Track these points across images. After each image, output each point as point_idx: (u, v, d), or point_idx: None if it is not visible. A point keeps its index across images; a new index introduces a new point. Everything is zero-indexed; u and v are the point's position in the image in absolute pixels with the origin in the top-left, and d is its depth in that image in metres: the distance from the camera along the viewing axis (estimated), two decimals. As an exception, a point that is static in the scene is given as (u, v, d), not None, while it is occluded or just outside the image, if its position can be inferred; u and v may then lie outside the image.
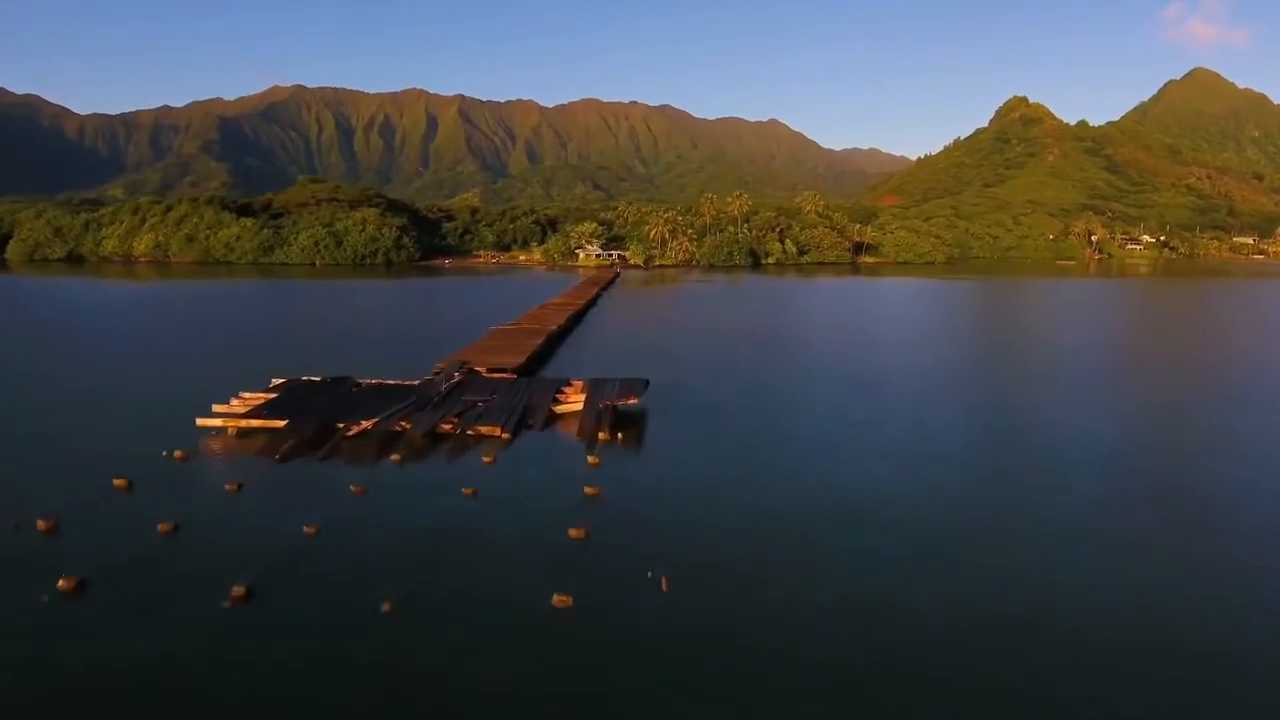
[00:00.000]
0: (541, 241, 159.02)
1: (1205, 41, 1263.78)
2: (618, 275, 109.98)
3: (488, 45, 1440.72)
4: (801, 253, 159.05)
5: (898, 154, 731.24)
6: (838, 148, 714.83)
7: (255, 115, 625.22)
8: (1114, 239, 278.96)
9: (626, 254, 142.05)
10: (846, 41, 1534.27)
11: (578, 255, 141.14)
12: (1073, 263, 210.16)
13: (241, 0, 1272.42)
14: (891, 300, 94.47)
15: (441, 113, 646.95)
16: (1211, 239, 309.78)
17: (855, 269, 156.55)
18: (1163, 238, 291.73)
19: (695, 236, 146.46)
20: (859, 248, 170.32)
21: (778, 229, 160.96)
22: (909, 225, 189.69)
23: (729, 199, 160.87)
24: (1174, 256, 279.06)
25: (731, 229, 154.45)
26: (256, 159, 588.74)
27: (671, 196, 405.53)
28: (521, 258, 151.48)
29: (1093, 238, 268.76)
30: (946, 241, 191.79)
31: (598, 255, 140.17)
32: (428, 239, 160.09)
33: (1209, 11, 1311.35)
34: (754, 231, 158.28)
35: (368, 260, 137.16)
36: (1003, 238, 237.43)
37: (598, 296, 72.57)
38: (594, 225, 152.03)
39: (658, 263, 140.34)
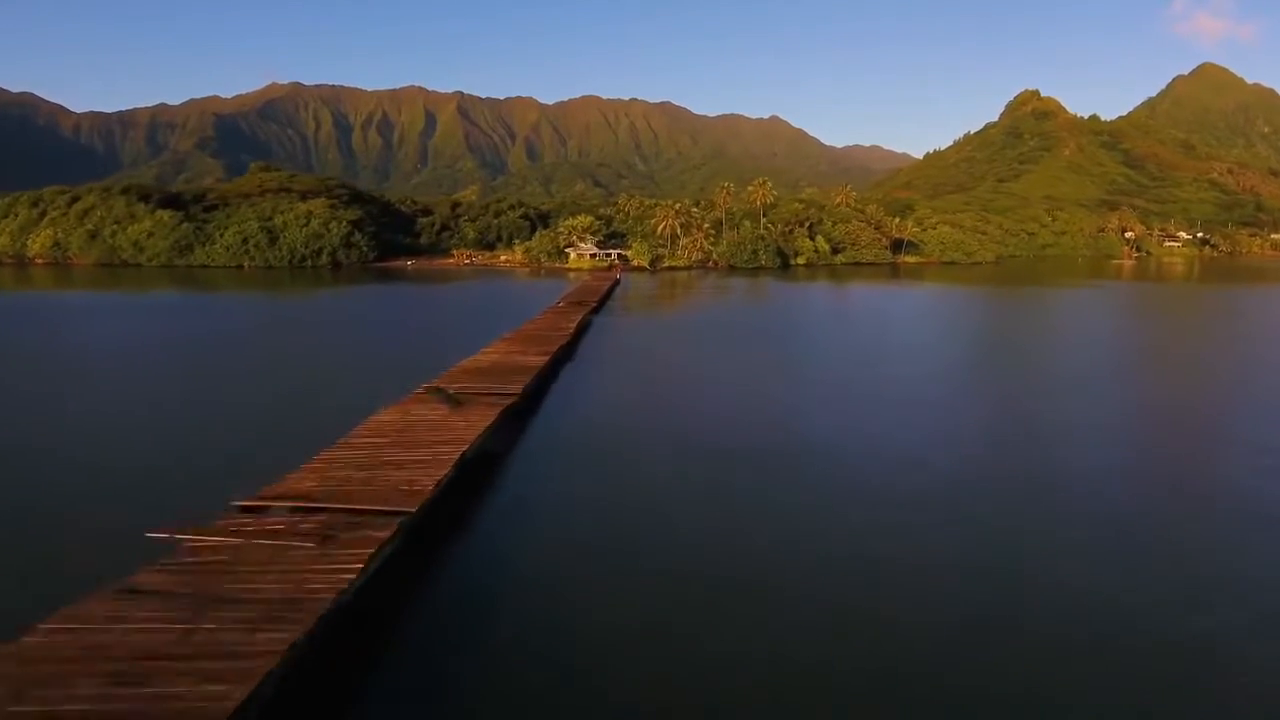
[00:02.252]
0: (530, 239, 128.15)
1: (1213, 36, 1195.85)
2: (617, 283, 79.01)
3: (487, 42, 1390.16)
4: (835, 251, 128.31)
5: (899, 151, 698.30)
6: (839, 144, 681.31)
7: (252, 113, 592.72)
8: (1151, 235, 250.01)
9: (628, 253, 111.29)
10: (847, 39, 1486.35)
11: (568, 254, 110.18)
12: (1130, 262, 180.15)
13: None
14: (1006, 328, 63.84)
15: (440, 110, 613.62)
16: (1250, 235, 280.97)
17: (895, 270, 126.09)
18: (1200, 234, 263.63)
19: (711, 232, 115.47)
20: (898, 245, 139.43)
21: (807, 223, 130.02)
22: (952, 220, 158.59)
23: (751, 187, 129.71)
24: (1215, 254, 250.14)
25: (748, 224, 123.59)
26: (253, 157, 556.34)
27: (672, 193, 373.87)
28: (503, 258, 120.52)
29: (1127, 234, 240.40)
30: (993, 239, 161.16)
31: (593, 255, 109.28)
32: (395, 236, 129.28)
33: (1216, 5, 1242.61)
34: (779, 226, 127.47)
35: (308, 261, 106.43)
36: (1039, 234, 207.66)
37: (577, 336, 40.99)
38: (589, 219, 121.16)
39: (666, 264, 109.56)
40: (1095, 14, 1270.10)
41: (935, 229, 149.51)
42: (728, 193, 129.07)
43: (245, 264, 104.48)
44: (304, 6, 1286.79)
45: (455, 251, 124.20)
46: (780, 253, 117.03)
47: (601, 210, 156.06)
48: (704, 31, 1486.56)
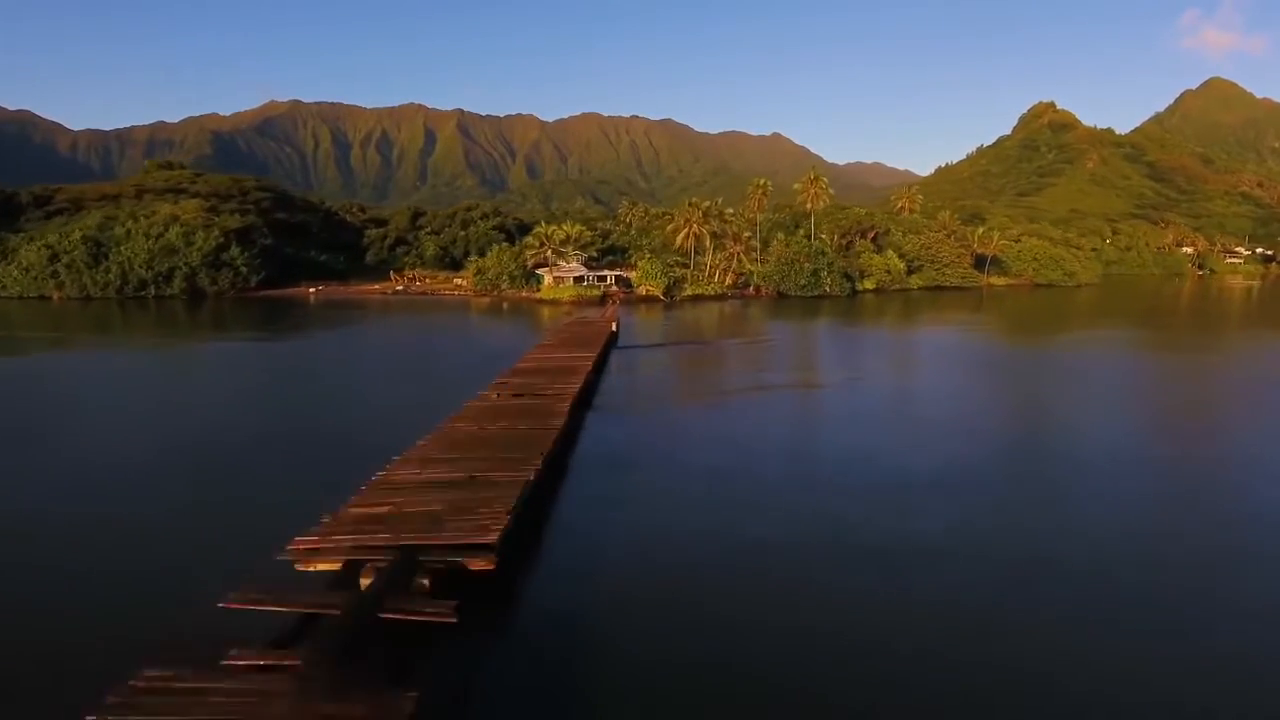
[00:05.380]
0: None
1: (1220, 49, 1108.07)
2: (614, 337, 38.60)
3: (487, 60, 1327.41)
4: (910, 270, 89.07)
5: (901, 168, 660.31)
6: (841, 162, 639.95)
7: (250, 130, 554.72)
8: (1214, 251, 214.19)
9: (631, 275, 72.09)
10: (848, 57, 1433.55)
11: (540, 277, 70.39)
12: (1255, 283, 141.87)
13: (238, 17, 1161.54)
14: None
15: (440, 127, 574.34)
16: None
17: (980, 297, 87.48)
18: (1259, 249, 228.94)
19: (754, 244, 76.50)
20: (979, 262, 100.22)
21: (871, 233, 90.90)
22: (1037, 230, 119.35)
23: (798, 185, 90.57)
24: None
25: (782, 236, 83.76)
26: (251, 175, 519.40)
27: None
28: (456, 281, 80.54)
29: (1185, 249, 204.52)
30: (1088, 254, 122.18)
31: (579, 279, 69.62)
32: (308, 253, 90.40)
33: (1225, 19, 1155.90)
34: (834, 238, 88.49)
35: (151, 288, 67.07)
36: (1103, 250, 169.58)
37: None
38: (578, 226, 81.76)
39: (688, 291, 70.12)
40: (1100, 30, 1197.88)
41: (1021, 241, 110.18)
42: (764, 195, 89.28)
43: (54, 293, 65.28)
44: (304, 24, 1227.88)
45: (394, 273, 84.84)
46: (845, 275, 77.82)
47: (599, 224, 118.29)
48: (705, 48, 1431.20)
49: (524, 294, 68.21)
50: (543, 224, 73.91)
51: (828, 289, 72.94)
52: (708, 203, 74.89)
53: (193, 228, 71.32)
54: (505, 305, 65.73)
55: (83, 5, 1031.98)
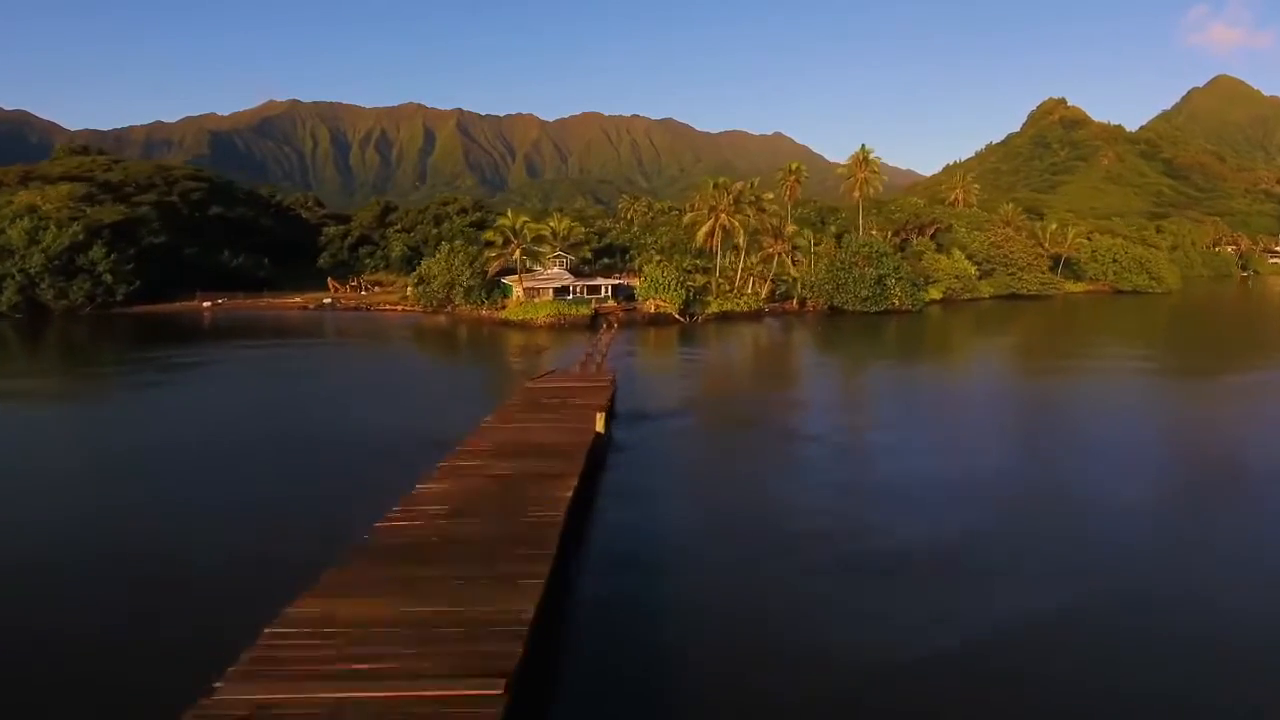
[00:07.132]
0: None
1: (1228, 45, 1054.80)
2: (607, 414, 18.74)
3: (487, 60, 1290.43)
4: (982, 275, 69.04)
5: (904, 167, 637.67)
6: (843, 161, 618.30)
7: (248, 130, 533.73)
8: (1256, 250, 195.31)
9: (635, 283, 52.02)
10: (849, 56, 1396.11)
11: (506, 287, 50.09)
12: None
13: (238, 17, 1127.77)
14: None
15: (439, 127, 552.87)
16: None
17: (1064, 308, 67.90)
18: None
19: (800, 240, 56.41)
20: (1055, 264, 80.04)
21: (931, 229, 70.79)
22: (1109, 227, 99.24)
23: (841, 170, 70.75)
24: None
25: (807, 233, 63.14)
26: (249, 175, 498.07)
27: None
28: (410, 290, 60.26)
29: (1229, 248, 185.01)
30: (1167, 255, 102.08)
31: (562, 290, 49.31)
32: (214, 258, 70.46)
33: (1232, 15, 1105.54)
34: (885, 235, 68.51)
35: (-34, 306, 47.05)
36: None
37: None
38: (566, 221, 61.41)
39: (714, 308, 49.89)
40: (1104, 27, 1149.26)
41: (1092, 239, 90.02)
42: (796, 182, 69.06)
43: None
44: (302, 24, 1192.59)
45: (332, 281, 64.65)
46: (912, 283, 57.74)
47: (596, 221, 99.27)
48: (705, 48, 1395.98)
49: (484, 312, 47.88)
50: (509, 214, 51.95)
51: (895, 301, 52.86)
52: (740, 184, 54.42)
53: (48, 222, 51.28)
54: (464, 330, 45.67)
55: (82, 5, 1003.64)
